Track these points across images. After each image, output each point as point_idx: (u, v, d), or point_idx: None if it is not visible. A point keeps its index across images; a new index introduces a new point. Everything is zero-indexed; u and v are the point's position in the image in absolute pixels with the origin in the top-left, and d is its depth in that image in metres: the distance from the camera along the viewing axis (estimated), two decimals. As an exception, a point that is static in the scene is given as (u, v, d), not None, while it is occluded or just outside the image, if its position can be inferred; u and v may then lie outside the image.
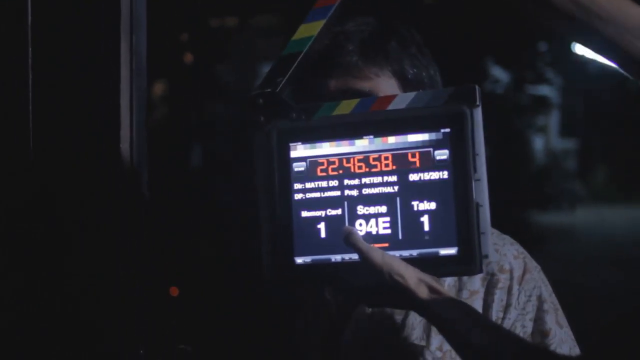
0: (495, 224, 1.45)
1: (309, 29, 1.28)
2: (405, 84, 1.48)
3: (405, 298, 1.21)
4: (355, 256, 1.18)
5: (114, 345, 1.13)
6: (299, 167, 1.21)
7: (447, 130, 1.16)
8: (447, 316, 1.20)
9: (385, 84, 1.47)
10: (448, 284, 1.48)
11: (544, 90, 9.82)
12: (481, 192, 1.17)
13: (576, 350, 1.52)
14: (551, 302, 1.52)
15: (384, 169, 1.18)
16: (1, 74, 1.19)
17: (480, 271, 1.19)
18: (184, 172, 5.00)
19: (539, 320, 1.52)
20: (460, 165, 1.14)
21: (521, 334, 1.46)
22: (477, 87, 1.15)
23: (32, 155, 1.16)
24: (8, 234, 1.18)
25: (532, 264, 1.56)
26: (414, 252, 1.17)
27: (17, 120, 1.18)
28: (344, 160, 1.20)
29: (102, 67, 1.16)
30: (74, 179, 1.15)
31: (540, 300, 1.52)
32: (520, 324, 1.49)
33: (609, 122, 14.42)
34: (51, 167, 1.16)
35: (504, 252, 1.50)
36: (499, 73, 8.39)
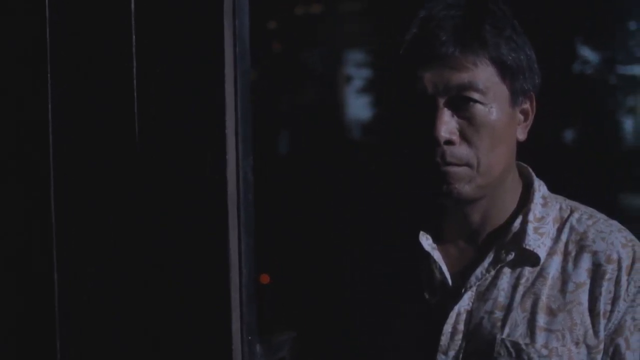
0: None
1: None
2: (504, 70, 1.42)
3: None
4: None
5: (226, 332, 1.15)
6: None
7: None
8: None
9: (484, 73, 1.42)
10: (552, 277, 1.42)
11: (635, 70, 9.55)
12: None
13: None
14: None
15: None
16: (106, 60, 1.21)
17: None
18: (273, 159, 5.04)
19: (651, 311, 1.43)
20: None
21: (631, 328, 1.40)
22: None
23: (139, 139, 1.18)
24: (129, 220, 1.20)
25: None
26: None
27: (122, 104, 1.20)
28: None
29: (205, 52, 1.16)
30: (179, 164, 1.17)
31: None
32: (631, 317, 1.41)
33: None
34: (158, 151, 1.18)
35: (611, 241, 1.43)
36: (587, 53, 8.21)
